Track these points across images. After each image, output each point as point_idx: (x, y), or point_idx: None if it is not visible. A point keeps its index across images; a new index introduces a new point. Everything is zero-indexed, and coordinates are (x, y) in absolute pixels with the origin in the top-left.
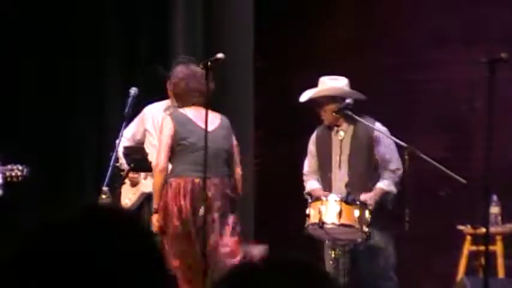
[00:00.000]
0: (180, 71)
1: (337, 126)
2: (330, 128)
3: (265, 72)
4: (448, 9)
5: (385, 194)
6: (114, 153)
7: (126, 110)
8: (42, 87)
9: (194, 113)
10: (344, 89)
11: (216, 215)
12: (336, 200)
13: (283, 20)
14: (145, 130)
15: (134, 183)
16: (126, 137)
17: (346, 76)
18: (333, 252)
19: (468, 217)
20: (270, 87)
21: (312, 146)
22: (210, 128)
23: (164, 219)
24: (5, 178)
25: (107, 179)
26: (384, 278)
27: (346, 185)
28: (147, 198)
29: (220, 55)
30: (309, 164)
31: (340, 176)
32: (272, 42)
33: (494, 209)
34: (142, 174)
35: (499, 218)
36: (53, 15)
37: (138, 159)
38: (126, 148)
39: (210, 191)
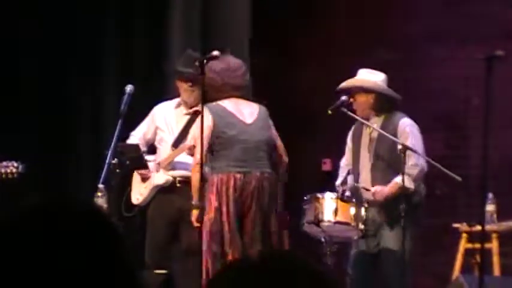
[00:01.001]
0: (215, 64)
1: (368, 119)
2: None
3: (261, 71)
4: (445, 6)
5: (401, 189)
6: (110, 151)
7: (122, 108)
8: (39, 86)
9: (232, 105)
10: (377, 83)
11: (256, 209)
12: (332, 198)
13: (281, 17)
14: (156, 128)
15: (145, 179)
16: (137, 136)
17: (342, 73)
18: (328, 249)
19: (464, 215)
20: (267, 85)
21: (348, 140)
22: (249, 121)
23: (206, 215)
24: (0, 175)
25: (102, 177)
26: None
27: (371, 179)
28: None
29: (216, 52)
30: (346, 157)
31: (367, 169)
32: (269, 40)
33: (490, 207)
34: (153, 168)
35: (495, 215)
36: (50, 14)
37: (134, 157)
38: (121, 146)
39: (251, 185)
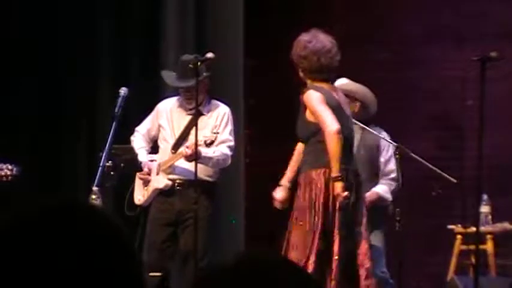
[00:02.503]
0: (313, 41)
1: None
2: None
3: (255, 71)
4: (441, 7)
5: (379, 199)
6: (104, 154)
7: (116, 110)
8: (34, 87)
9: (335, 93)
10: (363, 90)
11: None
12: None
13: (275, 17)
14: (159, 125)
15: (146, 182)
16: (141, 132)
17: (339, 72)
18: None
19: (459, 216)
20: (260, 86)
21: None
22: (348, 112)
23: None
24: None
25: (97, 179)
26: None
27: None
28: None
29: (210, 54)
30: None
31: None
32: (263, 40)
33: (485, 208)
34: (154, 171)
35: (490, 217)
36: (47, 15)
37: (128, 159)
38: (116, 149)
39: (354, 182)
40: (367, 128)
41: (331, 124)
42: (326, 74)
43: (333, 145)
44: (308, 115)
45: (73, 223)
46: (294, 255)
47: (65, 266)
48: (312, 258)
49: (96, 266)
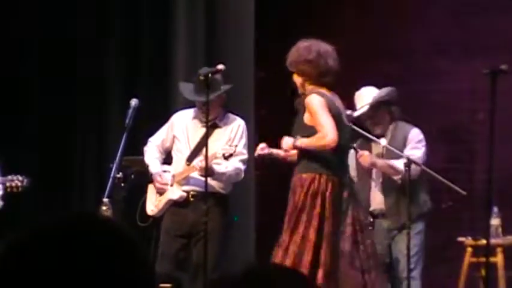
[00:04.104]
0: (316, 45)
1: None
2: (368, 139)
3: (266, 82)
4: (450, 19)
5: (390, 167)
6: (115, 165)
7: (127, 121)
8: (43, 100)
9: (335, 99)
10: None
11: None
12: None
13: (285, 28)
14: (174, 137)
15: (162, 192)
16: (155, 143)
17: (349, 84)
18: None
19: (469, 229)
20: (270, 96)
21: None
22: (347, 122)
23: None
24: (5, 189)
25: (107, 191)
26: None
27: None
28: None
29: (220, 66)
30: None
31: (378, 184)
32: (273, 51)
33: (495, 221)
34: (169, 182)
35: (500, 229)
36: (54, 15)
37: (139, 170)
38: (126, 160)
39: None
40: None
41: (330, 132)
42: (332, 77)
43: (320, 147)
44: (306, 119)
45: (88, 234)
46: (288, 262)
47: (79, 277)
48: (306, 267)
49: (111, 276)
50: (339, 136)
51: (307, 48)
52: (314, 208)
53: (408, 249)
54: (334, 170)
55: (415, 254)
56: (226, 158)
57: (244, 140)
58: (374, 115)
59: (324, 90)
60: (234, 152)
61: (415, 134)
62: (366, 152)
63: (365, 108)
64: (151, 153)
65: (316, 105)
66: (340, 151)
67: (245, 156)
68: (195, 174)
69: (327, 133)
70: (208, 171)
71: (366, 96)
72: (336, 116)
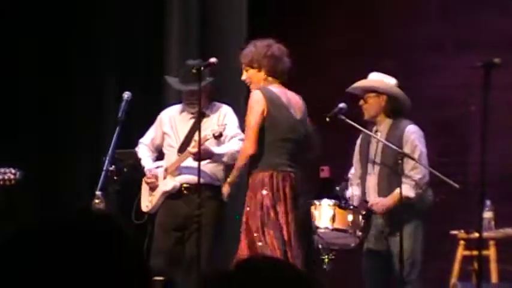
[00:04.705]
0: (274, 43)
1: (375, 123)
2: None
3: None
4: (443, 15)
5: (400, 200)
6: (108, 158)
7: (120, 115)
8: (38, 92)
9: (283, 95)
10: (390, 86)
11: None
12: (329, 205)
13: (277, 26)
14: (163, 133)
15: (154, 188)
16: (145, 143)
17: (341, 81)
18: (326, 256)
19: (462, 222)
20: None
21: (356, 151)
22: (299, 116)
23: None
24: None
25: (100, 184)
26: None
27: (377, 186)
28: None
29: (213, 59)
30: (354, 167)
31: (374, 177)
32: None
33: (488, 214)
34: (161, 175)
35: (493, 223)
36: (49, 15)
37: (131, 164)
38: (119, 153)
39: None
40: (354, 124)
41: (249, 146)
42: (286, 76)
43: (239, 162)
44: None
45: (83, 229)
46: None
47: (75, 271)
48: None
49: (105, 270)
50: (281, 129)
51: (269, 45)
52: (274, 205)
53: (401, 251)
54: (282, 166)
55: (409, 257)
56: (216, 137)
57: (235, 121)
58: (365, 100)
59: (274, 86)
60: (224, 130)
61: (409, 133)
62: (377, 199)
63: (353, 87)
64: (143, 153)
65: (252, 103)
66: (292, 145)
67: (242, 135)
68: (188, 165)
69: (247, 146)
70: (205, 154)
71: (369, 78)
72: (277, 111)
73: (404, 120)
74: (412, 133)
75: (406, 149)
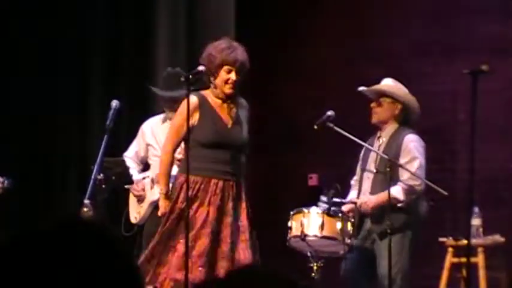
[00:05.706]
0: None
1: (381, 129)
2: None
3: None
4: (430, 21)
5: (387, 200)
6: (96, 166)
7: (108, 123)
8: (26, 100)
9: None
10: (408, 95)
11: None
12: (318, 213)
13: (266, 29)
14: (147, 145)
15: (141, 199)
16: (129, 156)
17: (330, 88)
18: (315, 264)
19: (450, 229)
20: (252, 99)
21: (360, 157)
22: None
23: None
24: None
25: (88, 192)
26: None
27: (370, 191)
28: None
29: (201, 67)
30: (357, 174)
31: (369, 181)
32: (252, 55)
33: (476, 221)
34: (148, 186)
35: (481, 230)
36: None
37: (120, 172)
38: (107, 162)
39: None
40: (342, 132)
41: (165, 146)
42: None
43: (161, 165)
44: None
45: (73, 240)
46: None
47: (64, 278)
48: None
49: (95, 278)
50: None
51: (219, 48)
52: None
53: (389, 260)
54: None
55: (394, 266)
56: None
57: None
58: (379, 103)
59: (208, 90)
60: None
61: (408, 141)
62: (364, 198)
63: (364, 89)
64: (129, 166)
65: (180, 110)
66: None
67: None
68: (174, 172)
69: (165, 145)
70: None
71: (383, 83)
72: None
73: (407, 128)
74: (411, 141)
75: (403, 157)
